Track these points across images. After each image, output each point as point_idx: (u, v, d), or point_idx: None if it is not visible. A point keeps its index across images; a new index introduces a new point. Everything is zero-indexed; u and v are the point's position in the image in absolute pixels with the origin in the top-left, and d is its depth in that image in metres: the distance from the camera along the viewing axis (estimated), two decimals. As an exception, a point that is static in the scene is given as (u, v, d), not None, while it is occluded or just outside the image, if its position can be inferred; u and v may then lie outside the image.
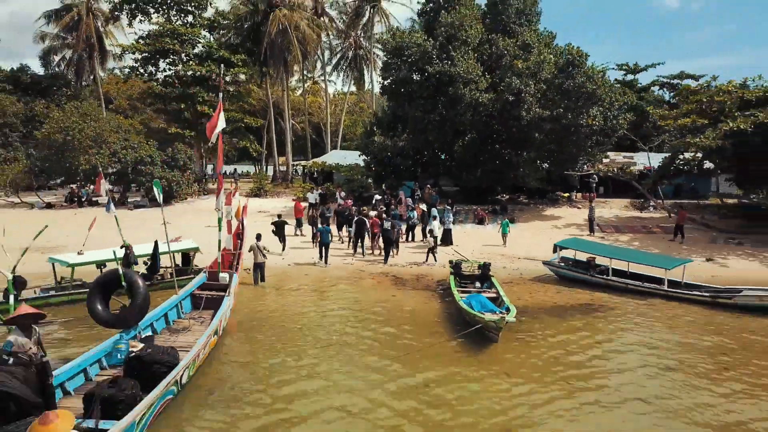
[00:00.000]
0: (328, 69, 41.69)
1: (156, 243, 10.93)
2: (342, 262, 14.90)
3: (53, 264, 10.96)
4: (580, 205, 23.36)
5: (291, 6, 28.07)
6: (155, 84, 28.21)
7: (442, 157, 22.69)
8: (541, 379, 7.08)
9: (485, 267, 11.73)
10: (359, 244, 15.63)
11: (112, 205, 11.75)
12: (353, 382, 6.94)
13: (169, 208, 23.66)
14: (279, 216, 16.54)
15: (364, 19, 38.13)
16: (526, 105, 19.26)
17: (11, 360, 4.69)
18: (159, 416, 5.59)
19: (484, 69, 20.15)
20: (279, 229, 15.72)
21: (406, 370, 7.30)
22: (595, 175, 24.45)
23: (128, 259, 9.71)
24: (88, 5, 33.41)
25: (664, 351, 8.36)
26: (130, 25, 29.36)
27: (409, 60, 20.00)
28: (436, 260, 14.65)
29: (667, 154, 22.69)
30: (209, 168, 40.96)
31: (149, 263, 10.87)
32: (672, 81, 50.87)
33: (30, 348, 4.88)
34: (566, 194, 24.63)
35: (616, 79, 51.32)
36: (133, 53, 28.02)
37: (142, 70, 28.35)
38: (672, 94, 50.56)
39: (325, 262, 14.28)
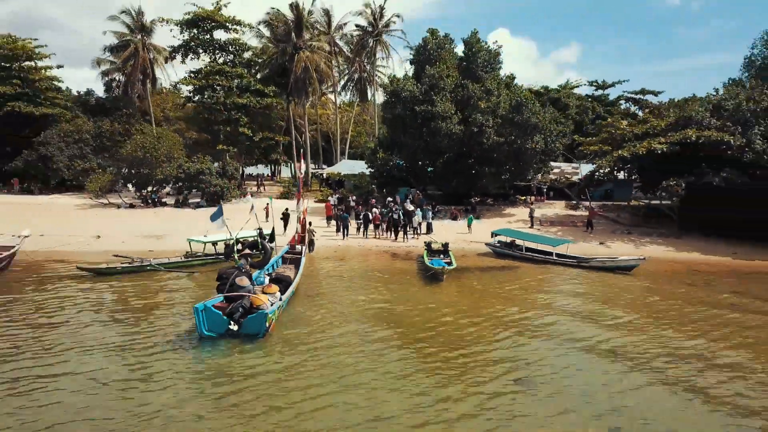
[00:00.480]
0: (338, 88, 49.29)
1: (260, 229, 18.51)
2: (356, 243, 22.53)
3: (189, 242, 18.50)
4: (532, 205, 30.92)
5: (311, 48, 35.64)
6: (204, 109, 35.88)
7: (428, 170, 30.24)
8: (471, 297, 14.65)
9: (446, 245, 19.26)
10: (365, 231, 23.38)
11: (252, 203, 19.41)
12: (366, 291, 14.53)
13: (224, 208, 31.18)
14: (287, 209, 24.70)
15: (368, 49, 45.66)
16: (486, 134, 26.78)
17: (244, 269, 12.22)
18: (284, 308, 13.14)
19: (457, 107, 27.69)
20: (285, 218, 24.07)
21: (395, 291, 14.87)
22: (543, 183, 32.03)
23: (261, 237, 17.28)
24: (143, 41, 40.96)
25: (538, 282, 15.94)
26: (183, 62, 37.07)
27: (403, 100, 27.56)
28: (413, 237, 22.69)
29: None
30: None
31: (269, 237, 18.32)
32: (636, 96, 58.47)
33: (246, 266, 12.41)
34: (523, 197, 32.20)
35: (588, 95, 59.20)
36: (187, 85, 35.64)
37: (194, 99, 35.95)
38: (636, 107, 58.12)
39: (344, 237, 22.24)
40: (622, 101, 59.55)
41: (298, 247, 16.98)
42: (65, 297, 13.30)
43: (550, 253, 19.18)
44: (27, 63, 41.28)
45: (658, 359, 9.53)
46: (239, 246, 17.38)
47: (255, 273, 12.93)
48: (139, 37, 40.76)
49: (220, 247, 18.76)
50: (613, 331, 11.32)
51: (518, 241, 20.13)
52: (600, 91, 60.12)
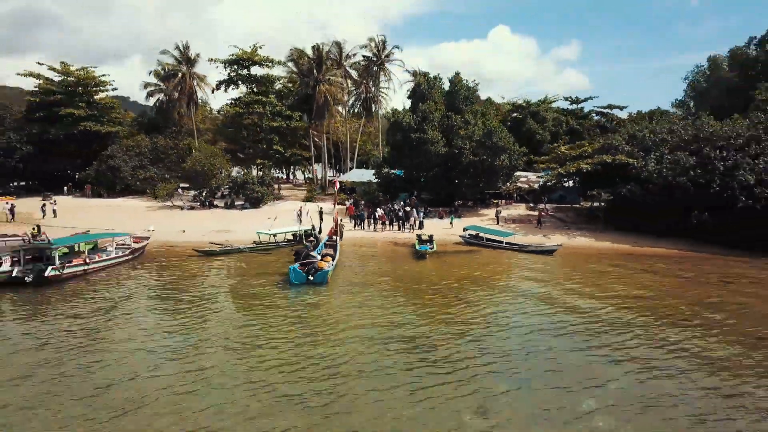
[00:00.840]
0: (348, 106, 58.12)
1: (314, 226, 27.49)
2: (369, 234, 31.43)
3: (258, 234, 27.36)
4: (498, 207, 39.82)
5: (329, 82, 44.54)
6: (242, 131, 44.91)
7: (421, 180, 39.11)
8: (442, 267, 23.53)
9: (430, 236, 28.05)
10: (375, 226, 32.31)
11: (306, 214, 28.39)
12: (377, 264, 23.43)
13: (261, 209, 40.21)
14: (320, 209, 33.48)
15: (372, 74, 54.45)
16: (465, 155, 35.62)
17: (310, 248, 21.09)
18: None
19: (442, 134, 36.53)
20: (320, 216, 32.79)
21: (396, 263, 23.78)
22: (511, 190, 40.88)
23: (313, 231, 26.26)
24: (189, 71, 49.87)
25: (490, 260, 24.81)
26: (225, 91, 46.02)
27: (402, 129, 36.42)
28: (409, 231, 31.50)
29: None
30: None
31: (318, 230, 27.32)
32: (603, 110, 67.34)
33: (310, 246, 21.27)
34: (495, 201, 41.07)
35: (564, 108, 67.91)
36: (228, 112, 44.55)
37: (231, 125, 45.03)
38: (605, 119, 67.00)
39: (356, 227, 31.23)
40: (594, 114, 68.21)
41: (334, 237, 25.87)
42: (196, 267, 22.28)
43: (501, 242, 28.06)
44: (94, 89, 50.22)
45: (565, 297, 18.44)
46: (291, 237, 26.47)
47: (314, 251, 21.86)
48: (185, 67, 49.68)
49: (279, 238, 27.66)
50: (535, 284, 20.24)
51: (481, 234, 29.01)
52: (574, 106, 68.83)
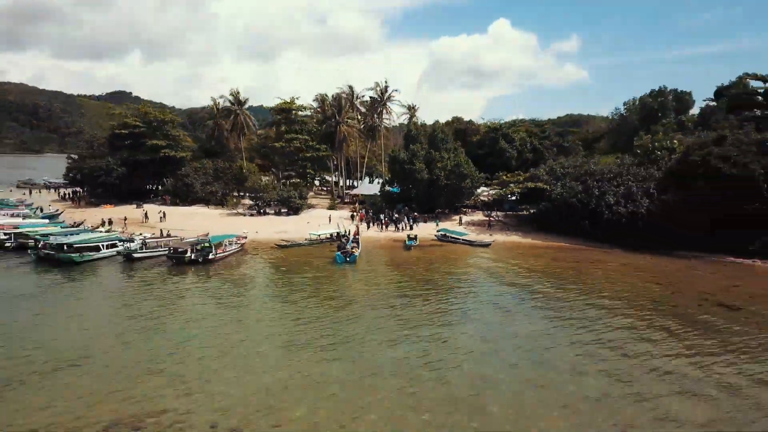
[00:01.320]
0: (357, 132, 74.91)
1: (342, 229, 44.48)
2: (375, 234, 48.35)
3: (311, 234, 44.24)
4: (463, 215, 56.76)
5: (348, 123, 61.42)
6: (283, 157, 61.91)
7: (412, 195, 55.99)
8: (422, 254, 40.49)
9: (416, 235, 44.89)
10: (379, 227, 49.24)
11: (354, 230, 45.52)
12: (383, 252, 40.44)
13: (300, 216, 57.02)
14: (350, 215, 50.31)
15: (377, 110, 71.23)
16: (440, 179, 52.48)
17: (344, 242, 38.07)
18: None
19: (426, 165, 53.34)
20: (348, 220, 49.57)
21: (393, 252, 40.80)
22: (475, 202, 57.77)
23: (342, 232, 43.26)
24: (241, 110, 66.67)
25: (452, 251, 41.75)
26: (270, 128, 62.84)
27: (398, 162, 53.26)
28: (402, 231, 48.40)
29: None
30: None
31: (346, 231, 44.30)
32: (561, 131, 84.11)
33: (344, 241, 38.24)
34: (464, 210, 57.94)
35: (528, 127, 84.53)
36: (271, 145, 61.60)
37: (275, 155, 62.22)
38: (562, 140, 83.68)
39: (368, 229, 48.15)
40: (553, 135, 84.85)
41: (357, 236, 42.72)
42: (280, 254, 39.29)
43: (459, 239, 44.92)
44: (169, 125, 67.08)
45: (503, 271, 35.44)
46: (328, 236, 43.51)
47: (348, 245, 38.89)
48: (237, 107, 66.47)
49: (322, 237, 44.43)
50: (474, 260, 37.27)
51: (447, 233, 45.90)
52: (539, 127, 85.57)
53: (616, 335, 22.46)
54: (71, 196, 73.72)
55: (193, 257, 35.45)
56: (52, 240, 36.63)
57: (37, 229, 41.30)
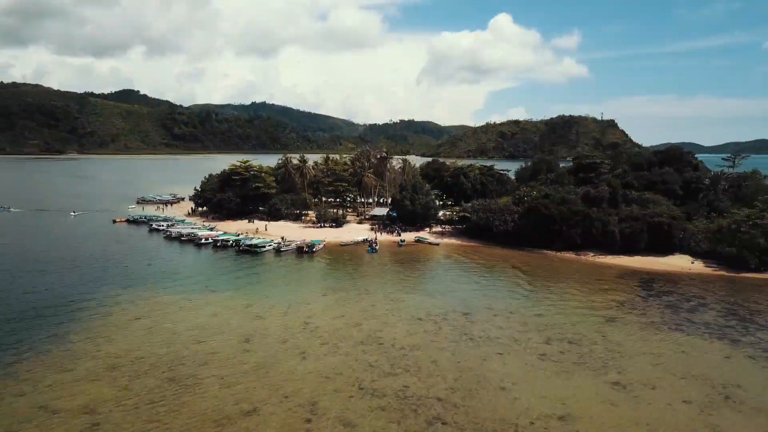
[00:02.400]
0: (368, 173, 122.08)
1: (370, 236, 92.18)
2: (383, 238, 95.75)
3: (354, 239, 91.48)
4: (432, 227, 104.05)
5: (368, 175, 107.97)
6: (330, 193, 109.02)
7: (403, 216, 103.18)
8: (407, 248, 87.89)
9: (404, 240, 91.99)
10: (390, 233, 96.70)
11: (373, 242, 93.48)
12: (386, 248, 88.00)
13: (343, 228, 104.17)
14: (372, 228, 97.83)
15: (384, 162, 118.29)
16: (418, 208, 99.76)
17: (373, 244, 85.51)
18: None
19: (410, 202, 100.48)
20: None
21: (390, 248, 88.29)
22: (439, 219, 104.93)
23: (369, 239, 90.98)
24: (305, 163, 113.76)
25: (422, 247, 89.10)
26: (320, 173, 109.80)
27: (395, 200, 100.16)
28: (396, 236, 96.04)
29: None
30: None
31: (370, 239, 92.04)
32: (500, 171, 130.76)
33: (371, 241, 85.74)
34: (433, 223, 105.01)
35: (480, 167, 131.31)
36: (325, 186, 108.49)
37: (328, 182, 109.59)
38: (497, 177, 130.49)
39: (380, 235, 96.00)
40: (494, 174, 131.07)
41: (376, 240, 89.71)
42: (344, 250, 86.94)
43: (425, 241, 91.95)
44: (254, 170, 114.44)
45: (444, 255, 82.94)
46: (362, 240, 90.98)
47: (374, 244, 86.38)
48: (302, 163, 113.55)
49: (361, 239, 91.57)
50: (434, 251, 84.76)
51: (420, 239, 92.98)
52: (487, 168, 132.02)
53: (495, 283, 69.62)
54: (195, 211, 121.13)
55: (306, 250, 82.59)
56: (243, 242, 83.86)
57: (229, 237, 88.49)
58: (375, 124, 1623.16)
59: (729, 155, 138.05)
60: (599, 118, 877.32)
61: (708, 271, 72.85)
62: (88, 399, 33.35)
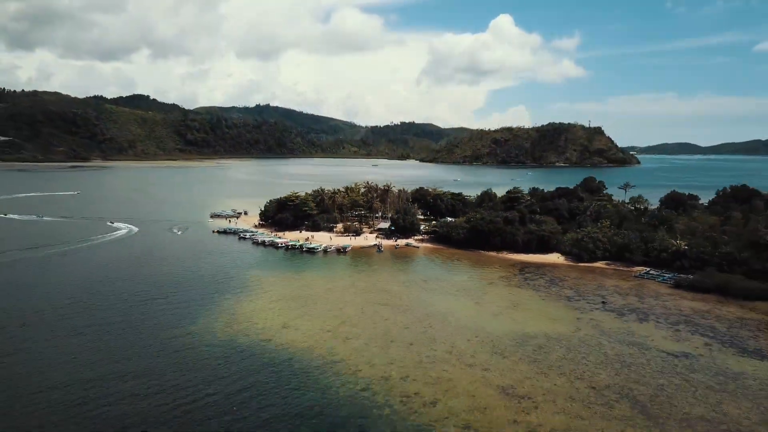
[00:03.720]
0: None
1: (378, 242, 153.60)
2: (386, 243, 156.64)
3: (371, 244, 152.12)
4: (418, 236, 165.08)
5: (376, 201, 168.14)
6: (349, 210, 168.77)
7: (399, 228, 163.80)
8: (401, 250, 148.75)
9: (398, 244, 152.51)
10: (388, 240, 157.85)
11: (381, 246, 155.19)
12: (387, 249, 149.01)
13: (360, 236, 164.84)
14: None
15: (387, 192, 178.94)
16: (407, 224, 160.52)
17: (378, 245, 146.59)
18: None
19: (402, 220, 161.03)
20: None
21: (389, 250, 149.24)
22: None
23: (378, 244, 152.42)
24: (335, 197, 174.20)
25: (412, 250, 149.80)
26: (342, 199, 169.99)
27: (391, 219, 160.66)
28: (394, 241, 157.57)
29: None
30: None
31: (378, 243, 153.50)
32: (467, 196, 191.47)
33: (379, 246, 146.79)
34: (416, 234, 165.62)
35: (451, 194, 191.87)
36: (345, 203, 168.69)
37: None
38: (462, 200, 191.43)
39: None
40: (462, 199, 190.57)
41: (381, 244, 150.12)
42: (362, 251, 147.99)
43: (412, 245, 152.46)
44: (308, 200, 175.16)
45: (423, 255, 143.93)
46: (373, 244, 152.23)
47: (380, 247, 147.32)
48: (331, 193, 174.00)
49: (373, 244, 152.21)
50: (416, 251, 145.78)
51: (409, 244, 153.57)
52: (457, 195, 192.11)
53: (446, 267, 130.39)
54: (260, 224, 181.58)
55: (341, 250, 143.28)
56: (305, 245, 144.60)
57: (295, 243, 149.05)
58: (376, 126, 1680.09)
59: (624, 184, 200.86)
60: (587, 126, 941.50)
61: (566, 263, 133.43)
62: (280, 318, 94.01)
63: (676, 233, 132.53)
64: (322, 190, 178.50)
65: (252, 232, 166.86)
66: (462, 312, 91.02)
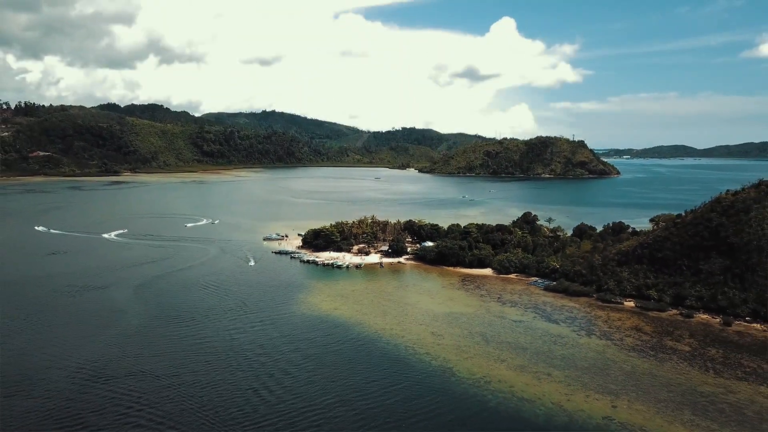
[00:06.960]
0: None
1: (382, 260, 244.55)
2: (387, 261, 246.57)
3: (377, 262, 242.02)
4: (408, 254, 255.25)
5: (379, 231, 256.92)
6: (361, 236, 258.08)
7: (397, 249, 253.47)
8: (397, 266, 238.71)
9: (398, 261, 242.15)
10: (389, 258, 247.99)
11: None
12: (389, 265, 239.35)
13: (369, 256, 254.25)
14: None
15: (387, 225, 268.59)
16: (400, 246, 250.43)
17: (381, 263, 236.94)
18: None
19: (396, 243, 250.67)
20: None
21: (392, 265, 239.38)
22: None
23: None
24: (351, 227, 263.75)
25: (405, 265, 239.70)
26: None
27: (388, 241, 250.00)
28: (394, 259, 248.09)
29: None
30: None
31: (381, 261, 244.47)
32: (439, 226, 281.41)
33: (381, 263, 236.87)
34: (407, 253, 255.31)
35: (430, 224, 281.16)
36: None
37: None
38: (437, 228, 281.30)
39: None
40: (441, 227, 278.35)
41: (383, 262, 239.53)
42: (372, 268, 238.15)
43: (402, 262, 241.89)
44: (334, 231, 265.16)
45: (409, 269, 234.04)
46: (377, 261, 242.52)
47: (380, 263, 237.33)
48: (350, 228, 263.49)
49: (378, 263, 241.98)
50: (405, 266, 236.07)
51: (400, 261, 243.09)
52: (435, 225, 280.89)
53: (420, 276, 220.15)
54: (301, 246, 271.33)
55: (358, 266, 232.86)
56: (335, 263, 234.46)
57: (330, 261, 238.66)
58: (378, 132, 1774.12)
59: (548, 219, 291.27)
60: (571, 139, 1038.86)
61: (493, 275, 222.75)
62: (332, 304, 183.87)
63: (565, 256, 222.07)
64: (345, 223, 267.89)
65: (299, 253, 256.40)
66: (423, 302, 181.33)
